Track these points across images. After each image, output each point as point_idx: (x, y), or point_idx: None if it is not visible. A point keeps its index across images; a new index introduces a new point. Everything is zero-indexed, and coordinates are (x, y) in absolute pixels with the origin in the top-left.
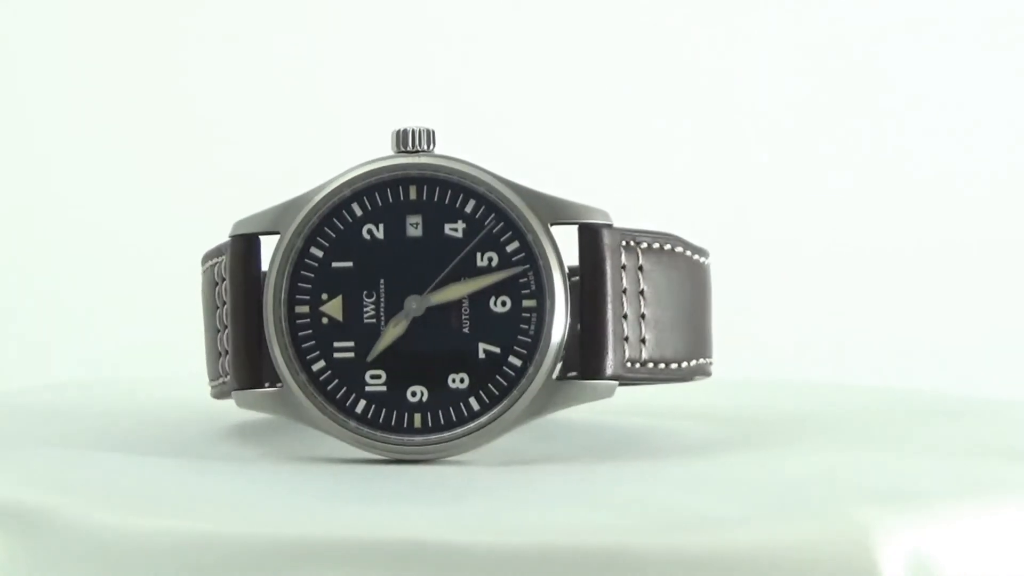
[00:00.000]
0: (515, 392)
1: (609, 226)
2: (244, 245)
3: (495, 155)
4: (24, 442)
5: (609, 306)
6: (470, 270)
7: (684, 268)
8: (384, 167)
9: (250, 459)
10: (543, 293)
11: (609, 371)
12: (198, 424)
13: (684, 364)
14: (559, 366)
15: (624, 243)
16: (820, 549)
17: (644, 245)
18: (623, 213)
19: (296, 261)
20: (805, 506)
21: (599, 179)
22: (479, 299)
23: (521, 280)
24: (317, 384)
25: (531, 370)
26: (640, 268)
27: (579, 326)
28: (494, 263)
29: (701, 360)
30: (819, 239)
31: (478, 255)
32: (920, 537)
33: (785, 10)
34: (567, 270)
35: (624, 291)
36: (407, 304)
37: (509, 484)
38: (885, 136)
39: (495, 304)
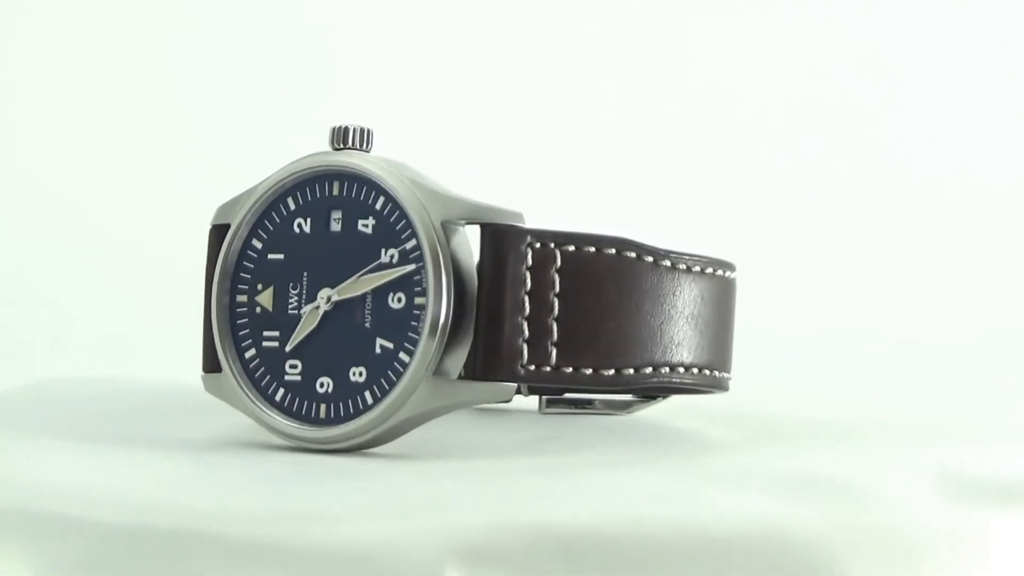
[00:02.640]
0: (399, 388)
1: (516, 227)
2: (214, 235)
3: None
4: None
5: (504, 307)
6: (375, 266)
7: (628, 272)
8: (314, 163)
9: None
10: (430, 291)
11: (502, 374)
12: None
13: (627, 372)
14: (459, 365)
15: (536, 244)
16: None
17: (569, 248)
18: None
19: (240, 251)
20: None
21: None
22: (380, 295)
23: (415, 278)
24: (248, 371)
25: (414, 366)
26: (558, 271)
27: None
28: (394, 260)
29: (663, 369)
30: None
31: (383, 251)
32: None
33: (787, 16)
34: (472, 270)
35: (529, 293)
36: (319, 297)
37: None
38: (891, 140)
39: (392, 300)
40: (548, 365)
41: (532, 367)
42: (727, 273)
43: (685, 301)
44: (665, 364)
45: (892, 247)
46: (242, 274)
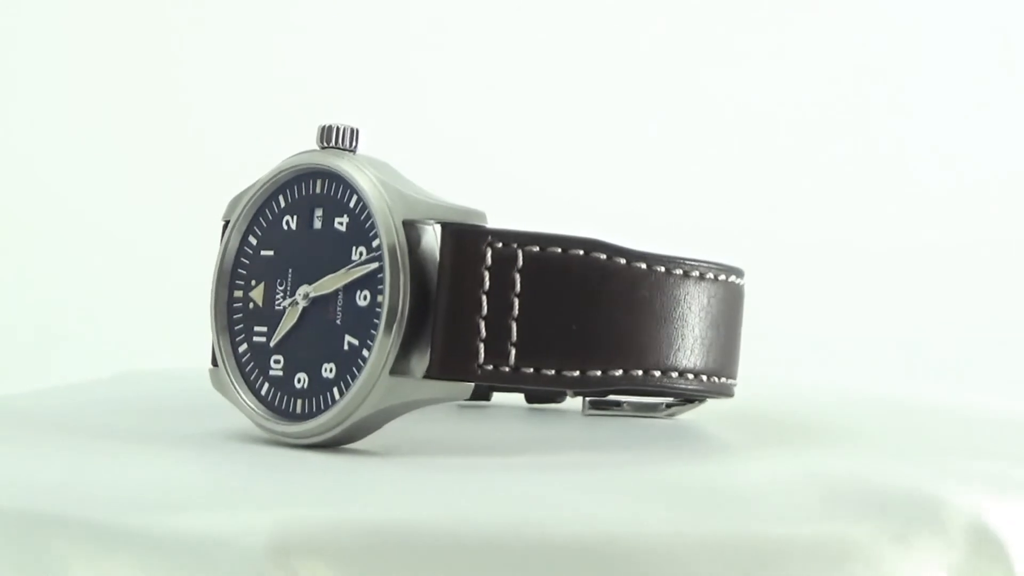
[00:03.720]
0: (357, 385)
1: (475, 226)
2: (223, 231)
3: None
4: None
5: (459, 307)
6: (347, 263)
7: (597, 274)
8: (300, 161)
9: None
10: (386, 288)
11: (458, 373)
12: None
13: (593, 373)
14: (423, 364)
15: (498, 244)
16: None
17: (533, 248)
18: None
19: (237, 248)
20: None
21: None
22: (350, 292)
23: (379, 275)
24: (240, 365)
25: (370, 363)
26: (520, 271)
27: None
28: (362, 257)
29: (635, 372)
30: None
31: (354, 249)
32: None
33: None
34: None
35: (487, 292)
36: (298, 294)
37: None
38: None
39: (359, 298)
40: (507, 365)
41: (490, 367)
42: (732, 279)
43: (678, 305)
44: (654, 368)
45: (893, 248)
46: (239, 270)
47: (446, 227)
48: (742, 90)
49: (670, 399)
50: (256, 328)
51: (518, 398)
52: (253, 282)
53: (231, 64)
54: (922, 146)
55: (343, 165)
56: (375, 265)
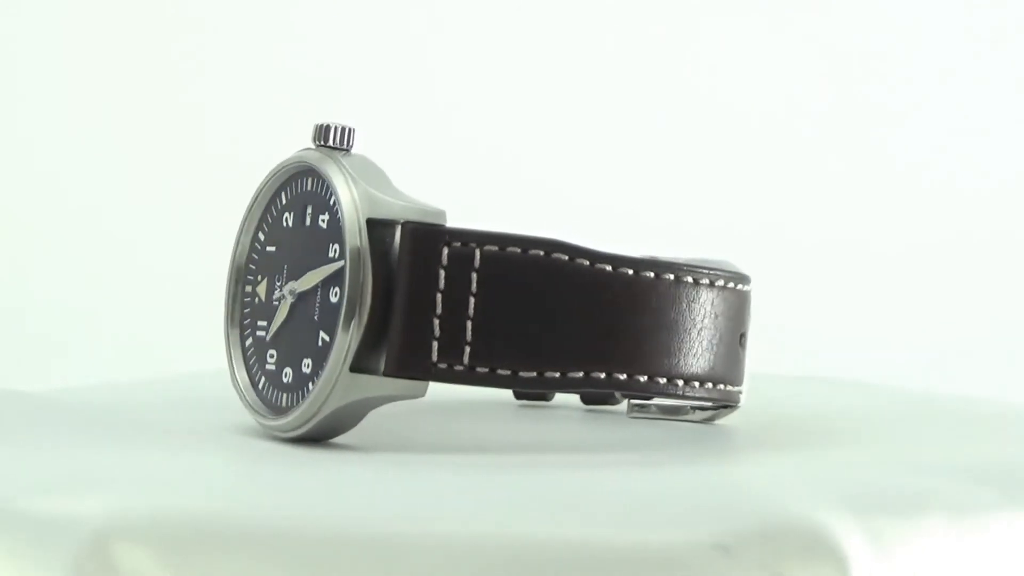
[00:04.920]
0: (321, 381)
1: (432, 225)
2: None
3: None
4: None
5: (413, 306)
6: (325, 260)
7: (557, 275)
8: (296, 159)
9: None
10: (346, 286)
11: (412, 371)
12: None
13: (551, 375)
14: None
15: (455, 244)
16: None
17: (491, 248)
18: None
19: (249, 243)
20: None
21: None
22: (326, 289)
23: (347, 273)
24: (245, 359)
25: (331, 360)
26: (476, 270)
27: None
28: (336, 255)
29: (597, 374)
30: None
31: (330, 246)
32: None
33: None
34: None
35: (442, 291)
36: (286, 289)
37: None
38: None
39: (332, 294)
40: (461, 364)
41: (444, 365)
42: (730, 284)
43: (647, 308)
44: (619, 372)
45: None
46: (250, 265)
47: (404, 226)
48: (741, 90)
49: (700, 404)
50: (259, 323)
51: (576, 399)
52: (259, 277)
53: (233, 64)
54: (924, 145)
55: (326, 164)
56: (342, 263)
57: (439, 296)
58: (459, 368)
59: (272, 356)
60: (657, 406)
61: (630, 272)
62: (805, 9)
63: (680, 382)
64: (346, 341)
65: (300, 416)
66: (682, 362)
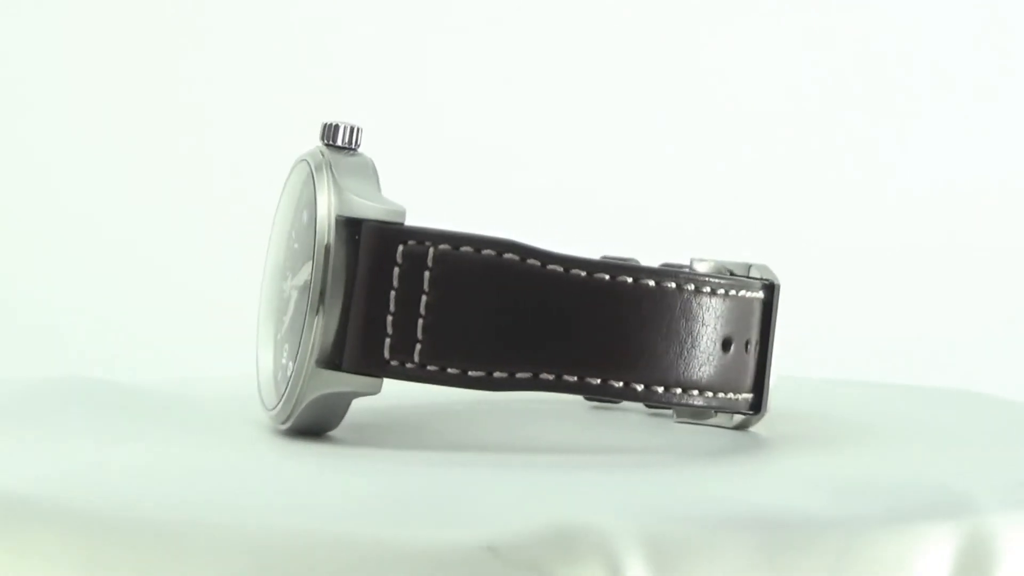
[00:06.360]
0: (293, 375)
1: (389, 224)
2: None
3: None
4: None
5: (367, 304)
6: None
7: (507, 275)
8: (306, 157)
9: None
10: (315, 283)
11: (365, 368)
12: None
13: (499, 375)
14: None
15: (410, 242)
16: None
17: (444, 247)
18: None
19: (286, 240)
20: None
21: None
22: (312, 285)
23: (313, 270)
24: (275, 353)
25: (299, 355)
26: (429, 269)
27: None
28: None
29: (545, 376)
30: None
31: (315, 244)
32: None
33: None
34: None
35: (396, 290)
36: (290, 285)
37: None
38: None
39: (314, 290)
40: (412, 362)
41: (396, 363)
42: (719, 291)
43: (598, 310)
44: (566, 373)
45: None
46: (286, 260)
47: (364, 224)
48: (743, 89)
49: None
50: (283, 318)
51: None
52: (288, 273)
53: (231, 64)
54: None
55: (318, 163)
56: (313, 261)
57: (393, 294)
58: (410, 366)
59: (285, 350)
60: (677, 411)
61: (582, 274)
62: (807, 7)
63: (615, 383)
64: (311, 336)
65: (284, 408)
66: (647, 367)
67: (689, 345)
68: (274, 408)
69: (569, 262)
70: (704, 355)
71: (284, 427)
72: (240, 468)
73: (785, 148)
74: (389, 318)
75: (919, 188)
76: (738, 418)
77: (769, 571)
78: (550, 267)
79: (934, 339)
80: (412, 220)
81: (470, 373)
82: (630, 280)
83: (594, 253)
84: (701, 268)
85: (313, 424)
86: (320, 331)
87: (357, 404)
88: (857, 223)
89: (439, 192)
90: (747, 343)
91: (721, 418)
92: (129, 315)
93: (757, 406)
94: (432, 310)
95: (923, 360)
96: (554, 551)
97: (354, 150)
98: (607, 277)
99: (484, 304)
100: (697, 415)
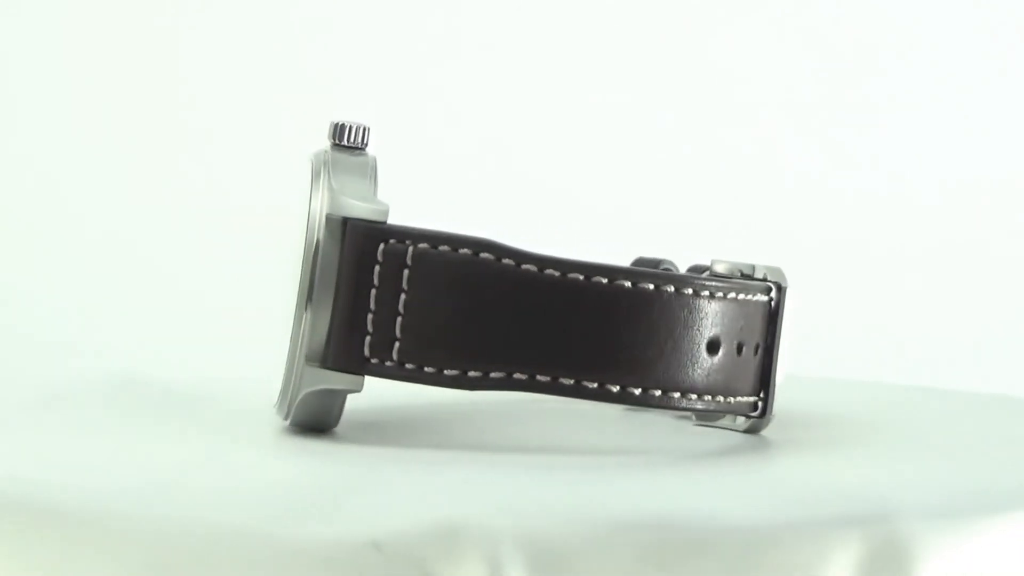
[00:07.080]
0: (286, 369)
1: (371, 223)
2: None
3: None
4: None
5: (348, 302)
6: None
7: (483, 275)
8: (309, 157)
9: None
10: (303, 281)
11: (346, 366)
12: None
13: (473, 374)
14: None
15: (391, 241)
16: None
17: (423, 246)
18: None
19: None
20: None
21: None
22: (301, 282)
23: (300, 268)
24: None
25: (288, 351)
26: (408, 268)
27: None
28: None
29: (518, 376)
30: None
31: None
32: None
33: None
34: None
35: (376, 288)
36: None
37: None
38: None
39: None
40: (391, 360)
41: (375, 361)
42: (703, 292)
43: (572, 311)
44: (541, 373)
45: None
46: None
47: (347, 223)
48: (743, 88)
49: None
50: None
51: None
52: None
53: (233, 64)
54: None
55: (319, 162)
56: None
57: (374, 292)
58: (389, 364)
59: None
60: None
61: (556, 274)
62: (815, 9)
63: (592, 385)
64: (298, 332)
65: (281, 405)
66: (623, 369)
67: (671, 347)
68: (276, 404)
69: (544, 262)
70: (688, 357)
71: (286, 423)
72: (186, 460)
73: (785, 148)
74: (370, 316)
75: (919, 188)
76: (743, 421)
77: (658, 573)
78: (524, 267)
79: (934, 339)
80: (414, 221)
81: (445, 372)
82: (605, 281)
83: (617, 255)
84: (719, 269)
85: (310, 420)
86: (309, 328)
87: (372, 401)
88: (857, 223)
89: (446, 193)
90: (743, 346)
91: (728, 421)
92: (159, 315)
93: (761, 410)
94: (410, 309)
95: (923, 360)
96: (437, 549)
97: (362, 149)
98: (581, 277)
99: (458, 303)
100: (704, 417)
